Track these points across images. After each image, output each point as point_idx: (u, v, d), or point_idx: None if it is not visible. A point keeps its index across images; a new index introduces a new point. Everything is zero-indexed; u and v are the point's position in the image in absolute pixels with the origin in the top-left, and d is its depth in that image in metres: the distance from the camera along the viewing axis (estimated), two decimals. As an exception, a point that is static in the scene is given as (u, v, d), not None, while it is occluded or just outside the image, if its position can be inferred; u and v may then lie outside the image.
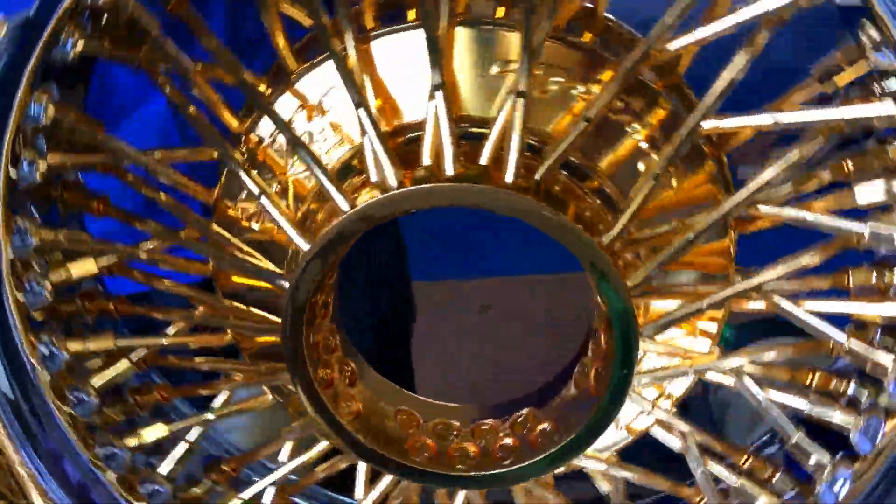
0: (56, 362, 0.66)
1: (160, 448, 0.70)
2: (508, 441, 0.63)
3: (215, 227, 0.64)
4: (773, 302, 0.63)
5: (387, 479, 0.66)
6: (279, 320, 0.60)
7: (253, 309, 0.65)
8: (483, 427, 0.64)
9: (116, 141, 0.62)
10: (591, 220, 0.58)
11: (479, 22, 0.60)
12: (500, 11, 0.61)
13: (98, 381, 0.69)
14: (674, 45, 0.58)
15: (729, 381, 0.66)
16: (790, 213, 0.61)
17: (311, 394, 0.61)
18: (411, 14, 0.62)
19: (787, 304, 0.63)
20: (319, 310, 0.62)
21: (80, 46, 0.59)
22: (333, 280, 0.64)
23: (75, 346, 0.67)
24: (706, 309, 0.60)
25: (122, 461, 0.67)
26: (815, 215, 0.60)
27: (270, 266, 0.62)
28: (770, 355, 0.65)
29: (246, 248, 0.63)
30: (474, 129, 0.60)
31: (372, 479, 0.69)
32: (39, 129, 0.60)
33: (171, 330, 0.69)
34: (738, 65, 0.56)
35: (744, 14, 0.55)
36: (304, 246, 0.59)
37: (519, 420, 0.64)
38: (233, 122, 0.63)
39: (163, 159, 0.64)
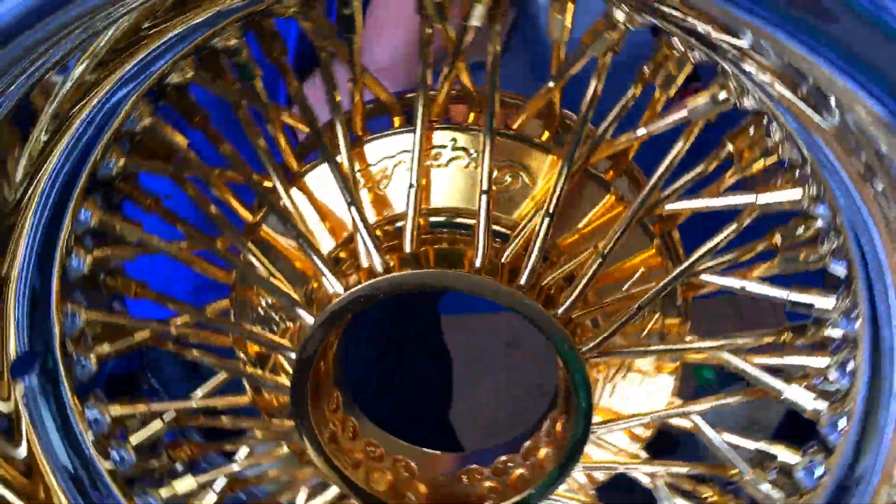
0: (100, 426, 0.77)
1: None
2: (547, 450, 0.72)
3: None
4: (722, 358, 0.72)
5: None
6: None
7: (267, 374, 0.76)
8: (529, 448, 0.74)
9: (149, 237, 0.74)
10: (554, 295, 0.68)
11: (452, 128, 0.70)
12: (471, 117, 0.71)
13: (135, 439, 0.80)
14: (619, 141, 0.68)
15: (688, 424, 0.75)
16: (729, 281, 0.70)
17: (317, 448, 0.71)
18: (397, 121, 0.73)
19: (732, 359, 0.72)
20: (323, 374, 0.72)
21: (121, 164, 0.71)
22: (335, 349, 0.74)
23: (116, 410, 0.78)
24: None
25: None
26: (750, 283, 0.69)
27: (283, 341, 0.73)
28: (722, 401, 0.75)
29: (257, 331, 0.74)
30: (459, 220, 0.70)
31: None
32: (88, 229, 0.72)
33: (198, 392, 0.80)
34: (676, 150, 0.66)
35: (675, 116, 0.65)
36: (308, 320, 0.69)
37: (500, 466, 0.74)
38: (247, 215, 0.74)
39: (187, 247, 0.75)
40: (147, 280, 0.78)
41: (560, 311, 0.66)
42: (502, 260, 0.67)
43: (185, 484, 0.81)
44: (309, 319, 0.69)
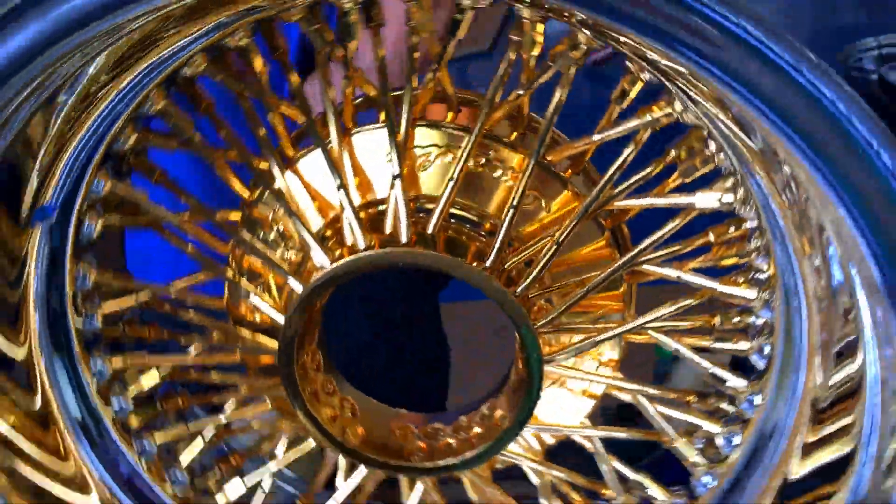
0: (103, 375, 0.84)
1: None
2: (479, 430, 0.82)
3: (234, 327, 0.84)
4: (636, 398, 0.86)
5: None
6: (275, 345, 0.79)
7: (258, 335, 0.83)
8: (460, 423, 0.84)
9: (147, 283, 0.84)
10: (515, 277, 0.77)
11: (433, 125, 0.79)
12: (450, 116, 0.82)
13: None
14: (627, 203, 0.79)
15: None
16: (667, 340, 0.83)
17: (289, 367, 0.79)
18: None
19: (644, 402, 0.85)
20: (311, 365, 0.81)
21: (132, 141, 0.79)
22: (314, 342, 0.83)
23: (118, 362, 0.85)
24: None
25: (152, 455, 0.87)
26: (683, 347, 0.83)
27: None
28: (619, 434, 0.88)
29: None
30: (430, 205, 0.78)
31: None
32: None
33: (192, 350, 0.86)
34: (669, 227, 0.78)
35: (682, 200, 0.77)
36: (324, 261, 0.77)
37: (431, 430, 0.85)
38: (289, 149, 0.81)
39: (183, 287, 0.84)
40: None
41: (539, 323, 0.78)
42: (505, 266, 0.77)
43: (136, 358, 0.87)
44: (325, 261, 0.76)
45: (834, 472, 0.70)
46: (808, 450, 0.75)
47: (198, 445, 0.90)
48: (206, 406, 0.91)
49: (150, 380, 0.87)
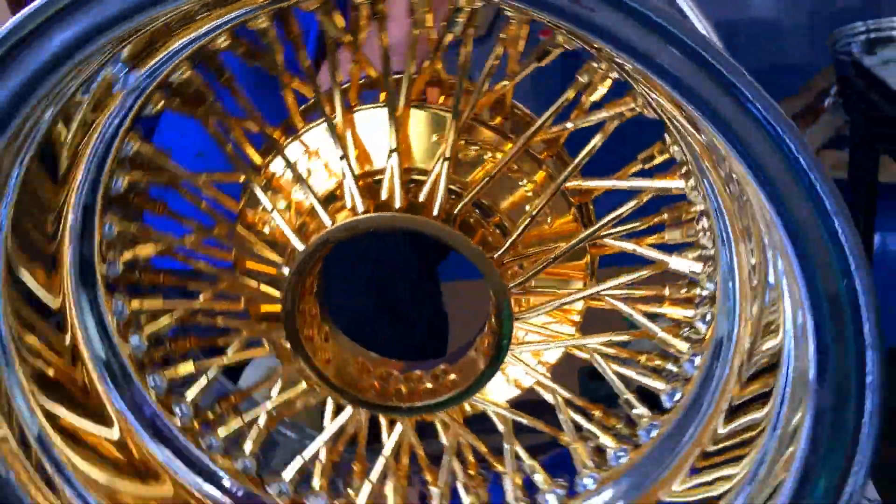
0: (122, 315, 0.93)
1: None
2: (429, 385, 0.94)
3: (239, 228, 0.92)
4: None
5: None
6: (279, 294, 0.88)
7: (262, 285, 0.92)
8: (413, 374, 0.95)
9: (177, 166, 0.90)
10: (492, 243, 0.89)
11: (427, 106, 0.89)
12: (441, 99, 0.92)
13: (148, 329, 0.96)
14: (553, 129, 0.90)
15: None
16: (623, 306, 0.95)
17: (297, 345, 0.89)
18: (382, 96, 0.91)
19: (562, 407, 1.00)
20: (307, 289, 0.90)
21: (160, 106, 0.87)
22: (317, 270, 0.93)
23: (135, 304, 0.94)
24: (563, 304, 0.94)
25: (124, 315, 0.95)
26: (614, 366, 0.97)
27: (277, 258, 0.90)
28: (534, 424, 1.02)
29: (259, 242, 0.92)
30: (418, 177, 0.89)
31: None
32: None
33: (201, 297, 0.95)
34: (642, 272, 0.92)
35: (660, 258, 0.91)
36: (300, 246, 0.87)
37: (385, 373, 0.96)
38: (256, 157, 0.90)
39: (206, 180, 0.91)
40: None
41: (520, 316, 0.90)
42: (504, 261, 0.89)
43: (140, 228, 0.94)
44: (360, 205, 0.86)
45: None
46: (694, 474, 0.91)
47: (164, 321, 0.97)
48: (182, 289, 0.98)
49: (145, 250, 0.94)
